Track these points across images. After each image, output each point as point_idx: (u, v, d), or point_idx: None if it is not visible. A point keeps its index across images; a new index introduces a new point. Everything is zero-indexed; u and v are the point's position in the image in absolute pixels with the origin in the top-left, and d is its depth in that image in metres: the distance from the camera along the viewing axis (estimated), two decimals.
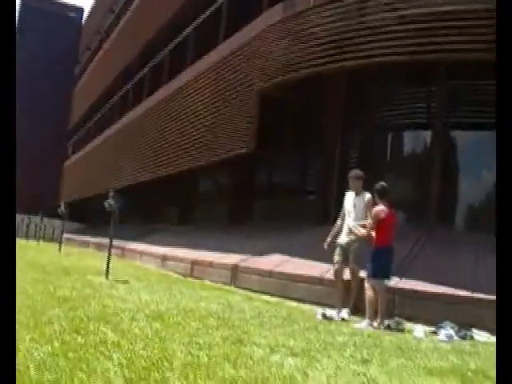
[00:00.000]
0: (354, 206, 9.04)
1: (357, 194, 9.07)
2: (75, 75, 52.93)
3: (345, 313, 8.45)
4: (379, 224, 8.00)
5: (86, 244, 29.41)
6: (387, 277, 8.05)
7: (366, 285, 7.99)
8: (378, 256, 7.96)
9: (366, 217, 8.63)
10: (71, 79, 53.62)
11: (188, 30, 22.50)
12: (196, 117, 18.68)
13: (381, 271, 7.93)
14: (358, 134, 15.37)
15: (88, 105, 43.59)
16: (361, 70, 12.72)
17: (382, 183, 8.36)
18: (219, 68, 17.26)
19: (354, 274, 8.82)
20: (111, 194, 11.54)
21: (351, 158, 15.22)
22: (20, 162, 53.69)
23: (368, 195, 8.88)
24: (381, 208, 8.09)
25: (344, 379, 4.20)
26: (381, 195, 8.20)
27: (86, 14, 55.97)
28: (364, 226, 8.38)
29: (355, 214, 8.97)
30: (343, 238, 8.97)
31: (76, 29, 55.94)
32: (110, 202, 11.43)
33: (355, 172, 9.30)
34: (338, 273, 8.92)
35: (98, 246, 23.68)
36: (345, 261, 8.83)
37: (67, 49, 55.67)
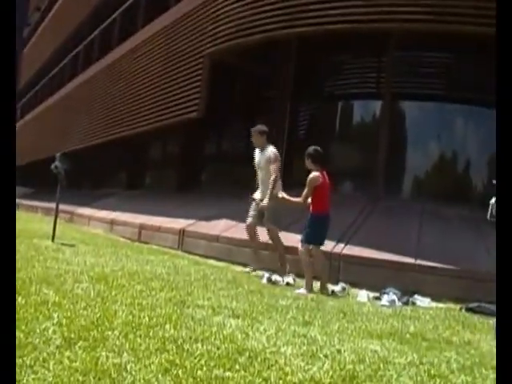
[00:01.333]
0: (259, 162, 9.00)
1: (261, 150, 8.98)
2: (24, 37, 51.67)
3: (290, 277, 8.49)
4: (315, 191, 7.82)
5: (35, 209, 28.92)
6: (322, 243, 8.00)
7: (301, 249, 7.89)
8: (315, 223, 7.85)
9: (270, 173, 8.66)
10: (20, 41, 52.26)
11: None
12: (147, 80, 18.47)
13: (316, 238, 7.89)
14: (308, 102, 15.39)
15: (37, 67, 42.59)
16: (312, 38, 12.69)
17: (315, 147, 8.07)
18: (170, 31, 17.05)
19: (269, 233, 8.89)
20: (58, 156, 11.32)
21: (300, 127, 15.29)
22: None
23: (270, 150, 8.82)
24: (316, 174, 7.86)
25: (284, 340, 4.25)
26: (314, 160, 7.94)
27: None
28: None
29: (260, 170, 8.97)
30: (257, 194, 9.01)
31: None
32: (56, 164, 11.17)
33: (257, 126, 9.17)
34: (250, 228, 8.99)
35: (47, 211, 23.29)
36: (259, 217, 8.91)
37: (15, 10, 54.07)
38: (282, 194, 8.37)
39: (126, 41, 21.93)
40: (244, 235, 9.46)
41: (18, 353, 3.13)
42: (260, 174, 9.02)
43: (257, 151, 9.12)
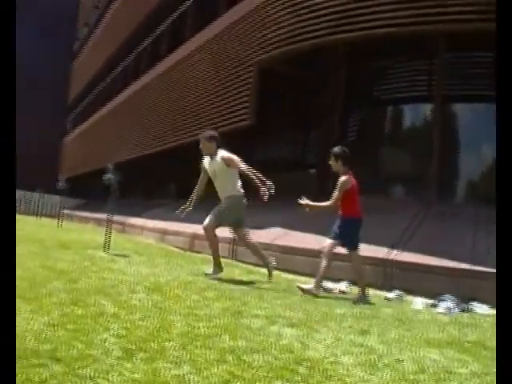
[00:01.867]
0: (214, 170, 8.64)
1: (211, 158, 8.63)
2: (74, 51, 52.58)
3: (343, 285, 8.38)
4: (345, 194, 7.58)
5: (86, 220, 29.41)
6: (357, 247, 7.74)
7: (326, 253, 7.60)
8: (348, 227, 7.59)
9: (234, 177, 8.52)
10: (69, 55, 53.32)
11: (188, 1, 22.31)
12: (197, 89, 18.60)
13: (352, 242, 7.66)
14: (358, 108, 15.28)
15: (87, 80, 43.22)
16: (360, 43, 12.61)
17: (341, 147, 7.87)
18: (220, 39, 17.14)
19: (206, 232, 8.65)
20: (110, 167, 11.47)
21: (351, 132, 15.17)
22: (18, 138, 54.32)
23: (223, 154, 8.48)
24: (347, 177, 7.62)
25: (342, 349, 4.22)
26: (345, 161, 7.68)
27: None
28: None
29: (217, 178, 8.66)
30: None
31: (74, 5, 55.49)
32: (108, 176, 11.35)
33: (205, 132, 9.02)
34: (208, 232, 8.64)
35: (98, 222, 23.66)
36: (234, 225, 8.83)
37: (65, 25, 55.33)
38: (305, 201, 7.92)
39: (176, 51, 22.15)
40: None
41: (78, 364, 3.19)
42: (217, 182, 8.73)
43: (206, 160, 8.81)
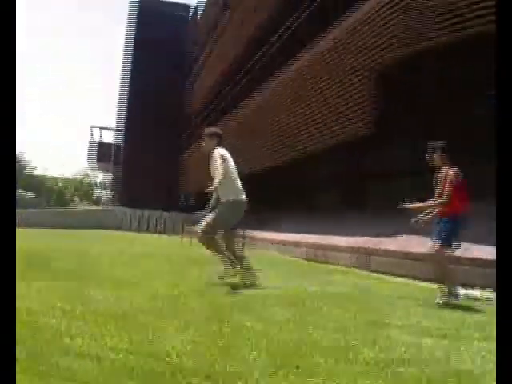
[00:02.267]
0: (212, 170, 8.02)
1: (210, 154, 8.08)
2: (187, 71, 53.26)
3: (476, 291, 7.94)
4: (455, 190, 6.88)
5: None
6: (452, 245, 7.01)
7: (440, 254, 6.93)
8: (455, 224, 6.88)
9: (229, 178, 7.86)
10: (183, 75, 54.13)
11: (303, 12, 22.24)
12: (315, 99, 18.23)
13: (452, 240, 6.95)
14: (479, 111, 14.67)
15: (204, 97, 43.40)
16: (480, 43, 12.10)
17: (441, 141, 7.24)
18: (336, 47, 16.80)
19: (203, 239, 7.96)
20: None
21: (474, 138, 14.49)
22: (138, 157, 53.75)
23: (217, 152, 7.91)
24: (456, 170, 6.97)
25: (494, 360, 3.88)
26: (446, 154, 7.11)
27: (193, 11, 58.12)
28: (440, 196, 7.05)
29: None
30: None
31: (185, 26, 57.32)
32: None
33: (209, 128, 8.53)
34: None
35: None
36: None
37: (177, 45, 56.61)
38: (411, 205, 7.20)
39: (292, 61, 21.89)
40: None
41: (224, 381, 3.19)
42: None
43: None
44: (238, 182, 8.14)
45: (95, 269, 8.63)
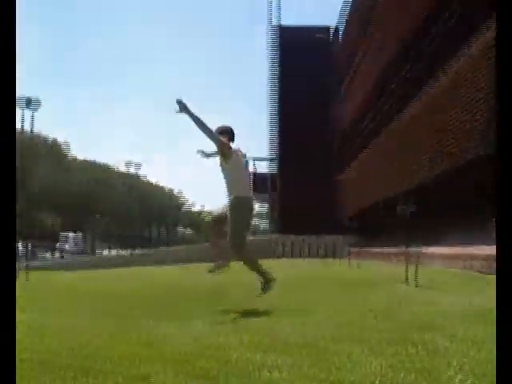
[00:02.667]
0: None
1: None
2: (335, 93, 53.30)
3: None
4: None
5: (370, 255, 29.11)
6: None
7: None
8: None
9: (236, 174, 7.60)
10: (330, 98, 54.17)
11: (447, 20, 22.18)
12: (477, 104, 18.03)
13: None
14: None
15: (356, 116, 43.25)
16: None
17: None
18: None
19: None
20: (400, 197, 11.29)
21: None
22: (294, 184, 53.61)
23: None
24: None
25: None
26: None
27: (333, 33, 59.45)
28: None
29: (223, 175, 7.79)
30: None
31: (328, 48, 57.71)
32: (402, 207, 11.24)
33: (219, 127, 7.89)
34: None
35: (384, 256, 23.41)
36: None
37: (322, 68, 56.91)
38: None
39: (446, 68, 21.83)
40: None
41: None
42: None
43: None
44: (246, 180, 7.99)
45: (269, 297, 8.03)
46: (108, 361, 4.03)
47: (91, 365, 3.90)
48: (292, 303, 7.73)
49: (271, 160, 61.61)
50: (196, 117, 7.14)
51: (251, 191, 7.90)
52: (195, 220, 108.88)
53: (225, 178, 7.62)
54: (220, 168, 7.66)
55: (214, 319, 6.26)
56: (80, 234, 71.59)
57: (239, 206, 7.49)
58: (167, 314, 6.80)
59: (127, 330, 5.48)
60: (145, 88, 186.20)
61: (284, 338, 4.87)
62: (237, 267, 8.06)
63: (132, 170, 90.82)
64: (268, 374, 3.66)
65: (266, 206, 71.68)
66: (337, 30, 58.48)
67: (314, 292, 9.70)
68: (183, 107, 7.10)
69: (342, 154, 48.68)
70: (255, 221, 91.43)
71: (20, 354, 3.75)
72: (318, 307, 7.14)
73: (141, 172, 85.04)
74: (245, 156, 7.95)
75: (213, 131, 7.35)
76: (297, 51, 56.21)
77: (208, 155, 8.19)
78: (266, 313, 6.69)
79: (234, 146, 7.72)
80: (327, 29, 62.16)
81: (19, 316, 3.98)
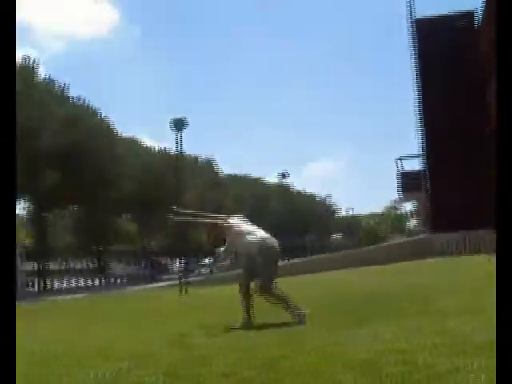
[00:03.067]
0: None
1: None
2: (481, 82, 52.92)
3: None
4: None
5: None
6: None
7: None
8: None
9: None
10: (477, 88, 53.88)
11: None
12: None
13: None
14: None
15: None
16: None
17: None
18: None
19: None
20: None
21: None
22: (447, 180, 53.47)
23: None
24: None
25: None
26: None
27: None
28: None
29: None
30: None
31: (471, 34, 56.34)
32: None
33: None
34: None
35: None
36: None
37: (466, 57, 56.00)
38: None
39: None
40: None
41: None
42: None
43: None
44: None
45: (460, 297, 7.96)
46: None
47: None
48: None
49: (420, 157, 60.60)
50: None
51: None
52: (347, 225, 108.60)
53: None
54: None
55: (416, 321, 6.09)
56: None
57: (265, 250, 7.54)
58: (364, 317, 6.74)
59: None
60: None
61: (475, 340, 4.68)
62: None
63: (277, 180, 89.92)
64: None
65: (416, 204, 70.45)
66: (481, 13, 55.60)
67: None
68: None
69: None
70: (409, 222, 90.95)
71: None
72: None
73: (287, 181, 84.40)
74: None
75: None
76: (438, 42, 54.80)
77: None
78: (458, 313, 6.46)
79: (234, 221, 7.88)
80: (470, 14, 59.21)
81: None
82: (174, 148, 52.32)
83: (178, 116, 21.52)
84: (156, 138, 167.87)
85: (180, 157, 22.91)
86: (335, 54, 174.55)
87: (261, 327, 6.91)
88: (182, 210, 8.83)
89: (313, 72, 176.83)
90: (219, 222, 7.94)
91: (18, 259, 35.42)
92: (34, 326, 9.59)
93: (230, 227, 7.74)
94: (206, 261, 65.64)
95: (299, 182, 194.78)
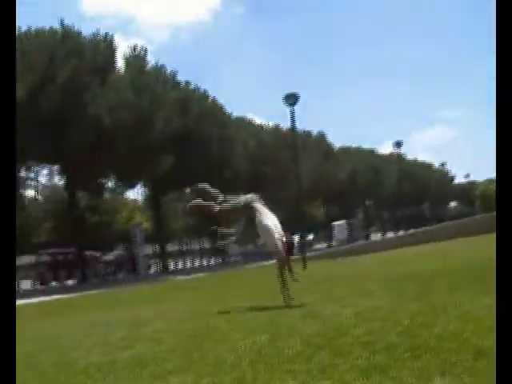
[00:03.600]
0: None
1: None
2: None
3: None
4: None
5: None
6: None
7: None
8: None
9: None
10: None
11: None
12: None
13: None
14: None
15: None
16: None
17: None
18: None
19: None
20: None
21: None
22: None
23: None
24: None
25: None
26: None
27: None
28: None
29: None
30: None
31: None
32: None
33: None
34: None
35: None
36: None
37: None
38: None
39: None
40: None
41: None
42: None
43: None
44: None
45: None
46: None
47: None
48: None
49: None
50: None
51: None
52: (463, 192, 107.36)
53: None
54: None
55: None
56: (346, 222, 71.17)
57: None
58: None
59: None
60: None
61: None
62: None
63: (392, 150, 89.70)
64: None
65: None
66: None
67: None
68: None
69: None
70: None
71: None
72: None
73: (400, 150, 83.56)
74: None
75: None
76: None
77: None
78: None
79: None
80: None
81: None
82: (283, 124, 52.72)
83: (289, 91, 21.48)
84: (264, 115, 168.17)
85: (294, 132, 22.91)
86: None
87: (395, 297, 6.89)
88: (202, 187, 8.93)
89: None
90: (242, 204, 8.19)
91: (141, 243, 36.55)
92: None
93: (258, 209, 8.04)
94: (311, 236, 65.34)
95: (412, 151, 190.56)
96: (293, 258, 8.18)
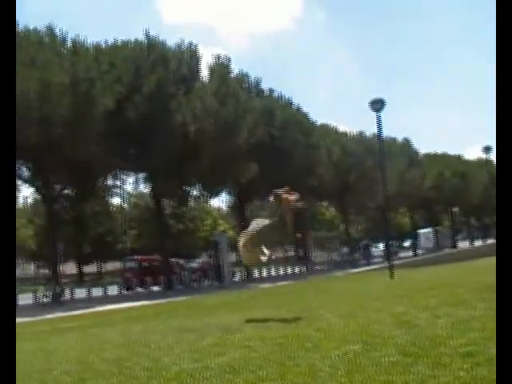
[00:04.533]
0: None
1: None
2: None
3: None
4: None
5: None
6: None
7: None
8: None
9: None
10: None
11: None
12: None
13: None
14: None
15: None
16: None
17: None
18: None
19: None
20: None
21: None
22: None
23: None
24: None
25: None
26: None
27: None
28: None
29: None
30: None
31: None
32: None
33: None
34: None
35: None
36: None
37: None
38: None
39: None
40: None
41: None
42: None
43: None
44: None
45: None
46: None
47: None
48: None
49: None
50: None
51: None
52: None
53: None
54: None
55: None
56: (432, 229, 70.80)
57: None
58: None
59: None
60: None
61: None
62: None
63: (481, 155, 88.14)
64: None
65: None
66: None
67: None
68: None
69: None
70: None
71: None
72: None
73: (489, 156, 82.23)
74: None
75: None
76: None
77: None
78: None
79: None
80: None
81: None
82: (367, 132, 52.28)
83: (375, 97, 21.20)
84: (347, 122, 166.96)
85: (380, 138, 22.61)
86: None
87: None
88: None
89: None
90: None
91: (225, 250, 36.97)
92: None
93: None
94: (407, 243, 63.85)
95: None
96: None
